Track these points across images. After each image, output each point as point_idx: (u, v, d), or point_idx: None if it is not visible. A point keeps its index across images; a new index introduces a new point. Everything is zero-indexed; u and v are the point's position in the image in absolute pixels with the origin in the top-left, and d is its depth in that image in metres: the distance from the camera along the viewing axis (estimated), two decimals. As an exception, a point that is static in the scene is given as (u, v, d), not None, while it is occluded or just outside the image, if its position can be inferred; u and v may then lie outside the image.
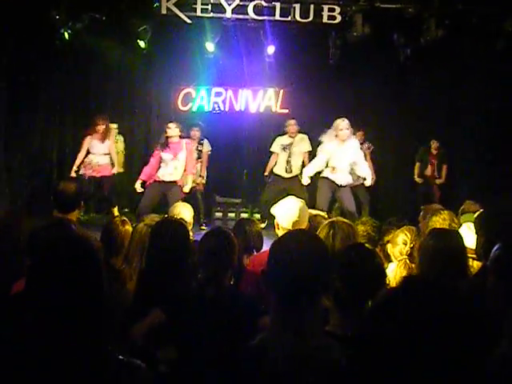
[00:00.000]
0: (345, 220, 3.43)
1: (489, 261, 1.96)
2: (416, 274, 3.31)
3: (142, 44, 10.01)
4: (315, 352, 1.71)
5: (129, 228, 4.36)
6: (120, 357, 1.73)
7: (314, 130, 11.17)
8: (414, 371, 1.19)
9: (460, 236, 3.30)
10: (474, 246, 3.05)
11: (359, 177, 8.93)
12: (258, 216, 10.41)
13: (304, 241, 1.88)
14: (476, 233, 2.88)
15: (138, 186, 8.62)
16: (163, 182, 8.53)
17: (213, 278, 3.06)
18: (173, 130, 8.61)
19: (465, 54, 10.06)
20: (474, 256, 3.21)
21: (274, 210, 4.41)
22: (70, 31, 9.55)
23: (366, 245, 2.86)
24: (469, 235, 3.46)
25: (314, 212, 5.07)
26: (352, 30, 9.52)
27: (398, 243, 3.90)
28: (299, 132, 10.16)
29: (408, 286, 1.28)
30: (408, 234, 3.90)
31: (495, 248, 1.95)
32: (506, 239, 1.97)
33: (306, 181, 8.67)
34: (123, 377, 1.69)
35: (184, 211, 5.21)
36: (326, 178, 8.36)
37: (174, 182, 8.56)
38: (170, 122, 8.78)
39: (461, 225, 4.06)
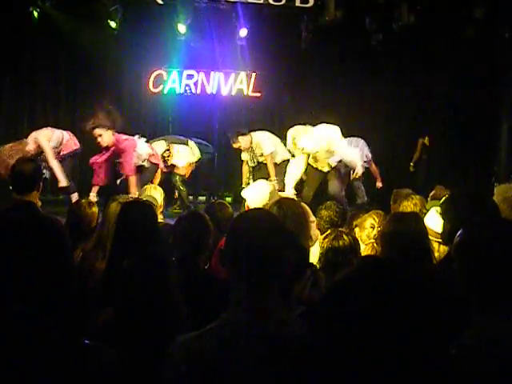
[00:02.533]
0: (293, 198, 3.40)
1: (452, 246, 1.98)
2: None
3: (112, 24, 9.88)
4: (280, 329, 1.72)
5: (95, 210, 4.32)
6: (86, 341, 1.73)
7: (285, 113, 11.23)
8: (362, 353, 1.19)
9: (420, 219, 3.33)
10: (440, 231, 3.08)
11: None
12: (228, 199, 10.41)
13: (260, 218, 1.88)
14: (442, 217, 2.91)
15: None
16: None
17: (187, 261, 3.07)
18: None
19: (436, 40, 10.13)
20: (440, 240, 3.24)
21: (244, 193, 4.43)
22: (38, 10, 9.38)
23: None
24: (437, 220, 3.50)
25: (284, 195, 5.10)
26: (324, 15, 9.51)
27: (365, 227, 3.94)
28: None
29: (362, 266, 1.28)
30: (376, 218, 3.94)
31: (458, 233, 1.97)
32: (468, 224, 1.99)
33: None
34: (89, 362, 1.67)
35: (154, 194, 5.18)
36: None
37: None
38: None
39: (428, 210, 4.10)
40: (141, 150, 7.74)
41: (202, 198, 10.85)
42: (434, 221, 3.45)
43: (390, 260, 1.30)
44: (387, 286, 1.21)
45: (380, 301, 1.18)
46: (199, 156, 9.51)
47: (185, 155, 9.21)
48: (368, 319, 1.18)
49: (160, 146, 8.93)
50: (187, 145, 9.35)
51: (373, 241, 3.80)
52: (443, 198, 3.31)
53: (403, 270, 1.26)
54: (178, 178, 9.33)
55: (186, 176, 9.37)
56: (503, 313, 1.79)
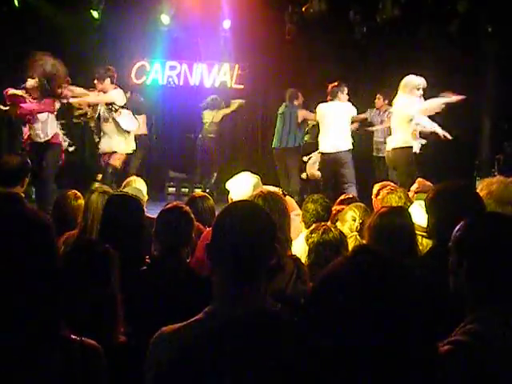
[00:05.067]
0: (274, 191, 3.37)
1: (451, 241, 1.97)
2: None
3: (95, 14, 9.80)
4: (265, 318, 1.71)
5: (81, 202, 4.29)
6: (72, 336, 1.70)
7: (269, 106, 11.20)
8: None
9: (408, 213, 3.33)
10: (425, 224, 3.08)
11: None
12: (213, 192, 10.39)
13: (247, 210, 1.87)
14: (426, 212, 2.91)
15: None
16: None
17: (170, 254, 3.05)
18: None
19: (420, 34, 10.15)
20: (423, 234, 3.25)
21: (228, 185, 4.41)
22: (19, -2, 9.27)
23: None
24: (420, 213, 3.50)
25: (272, 189, 5.07)
26: (309, 6, 9.51)
27: (346, 220, 3.92)
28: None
29: (355, 255, 1.25)
30: (356, 211, 3.93)
31: (457, 228, 1.96)
32: (468, 219, 1.99)
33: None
34: (76, 357, 1.65)
35: (141, 186, 5.14)
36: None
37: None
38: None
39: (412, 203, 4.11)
40: None
41: (185, 190, 10.82)
42: (417, 214, 3.46)
43: (382, 251, 1.26)
44: (380, 278, 1.18)
45: (371, 293, 1.15)
46: (130, 151, 8.35)
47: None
48: (357, 313, 1.15)
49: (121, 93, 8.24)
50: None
51: (356, 233, 3.79)
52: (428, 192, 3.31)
53: (397, 262, 1.23)
54: (111, 169, 8.16)
55: (118, 167, 8.24)
56: (498, 310, 1.80)
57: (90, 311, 2.30)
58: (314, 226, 3.60)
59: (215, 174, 10.50)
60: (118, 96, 8.05)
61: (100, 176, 8.31)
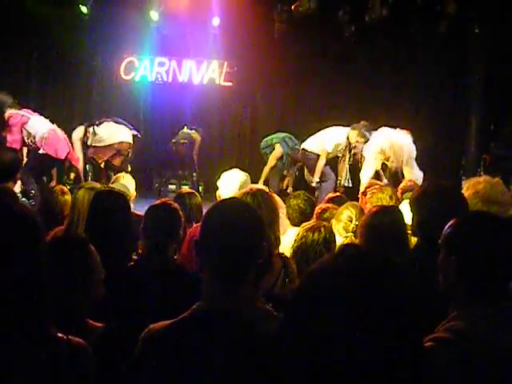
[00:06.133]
0: (262, 188, 3.37)
1: (441, 238, 1.99)
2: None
3: (83, 9, 9.74)
4: (254, 317, 1.72)
5: (68, 198, 4.29)
6: (59, 334, 1.70)
7: (257, 105, 11.20)
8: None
9: (400, 212, 3.34)
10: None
11: None
12: (199, 189, 10.39)
13: (236, 208, 1.87)
14: (411, 210, 2.93)
15: None
16: None
17: (158, 250, 3.05)
18: None
19: (408, 34, 10.19)
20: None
21: (218, 182, 4.42)
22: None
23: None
24: (409, 212, 3.52)
25: (260, 187, 5.06)
26: (298, 5, 9.52)
27: (341, 220, 3.86)
28: None
29: (341, 253, 1.24)
30: (353, 210, 3.88)
31: (448, 225, 1.98)
32: (456, 217, 2.01)
33: None
34: (63, 356, 1.64)
35: (128, 183, 5.15)
36: None
37: None
38: None
39: (401, 201, 4.12)
40: (31, 127, 7.51)
41: (173, 187, 10.81)
42: (406, 213, 3.47)
43: (370, 249, 1.26)
44: (366, 274, 1.18)
45: (357, 289, 1.15)
46: (125, 140, 8.75)
47: (104, 135, 8.61)
48: (342, 312, 1.14)
49: (78, 131, 8.61)
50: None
51: (351, 234, 3.76)
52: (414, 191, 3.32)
53: (385, 259, 1.23)
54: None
55: (119, 166, 8.62)
56: (484, 309, 1.82)
57: (69, 309, 2.29)
58: (311, 221, 3.61)
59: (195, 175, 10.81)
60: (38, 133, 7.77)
61: (72, 175, 8.41)
